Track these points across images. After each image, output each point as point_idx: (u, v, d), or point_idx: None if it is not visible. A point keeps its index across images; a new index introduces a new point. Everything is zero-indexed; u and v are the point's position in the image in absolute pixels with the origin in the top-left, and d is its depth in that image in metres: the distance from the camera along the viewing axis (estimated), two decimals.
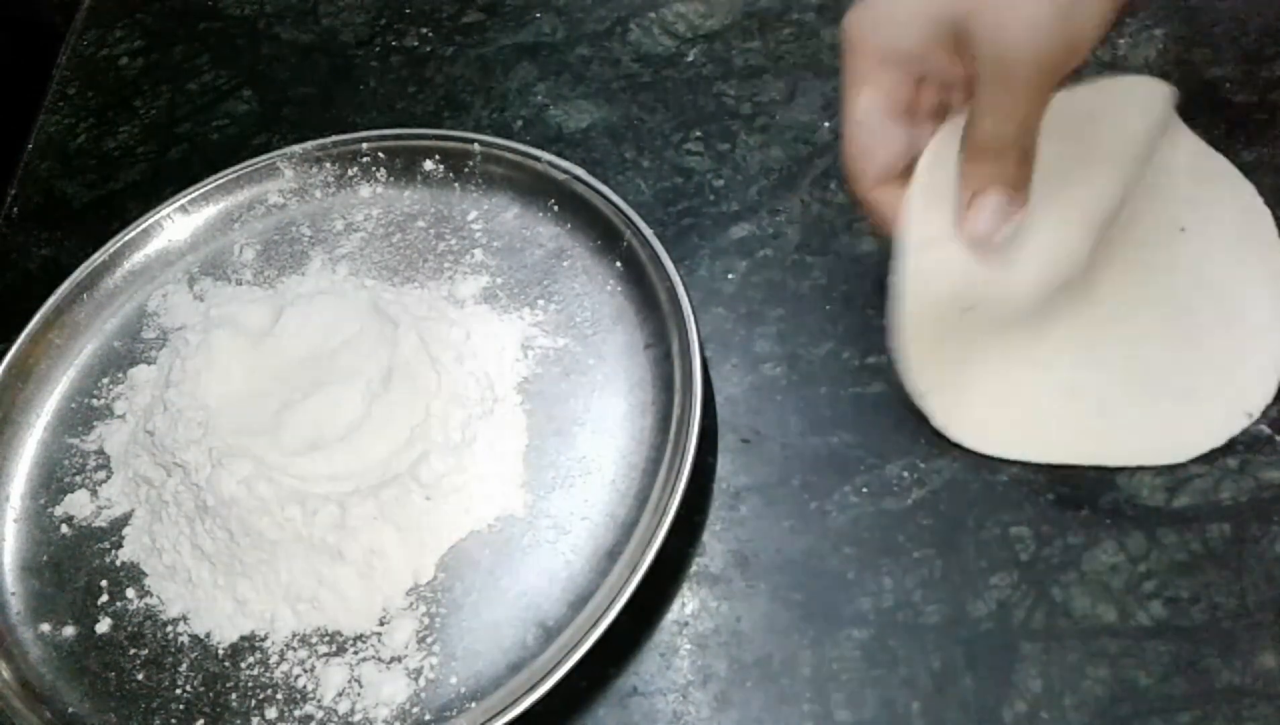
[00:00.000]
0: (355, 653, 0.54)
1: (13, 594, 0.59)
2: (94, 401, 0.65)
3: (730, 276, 0.63)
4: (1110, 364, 0.56)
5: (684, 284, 0.59)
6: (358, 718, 0.52)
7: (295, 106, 0.77)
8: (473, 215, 0.67)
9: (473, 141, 0.68)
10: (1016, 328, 0.55)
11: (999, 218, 0.50)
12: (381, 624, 0.54)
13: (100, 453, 0.63)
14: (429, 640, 0.54)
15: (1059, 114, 0.50)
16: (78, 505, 0.61)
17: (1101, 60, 0.65)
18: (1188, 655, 0.48)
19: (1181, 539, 0.51)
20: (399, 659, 0.53)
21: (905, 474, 0.55)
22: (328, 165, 0.70)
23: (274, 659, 0.55)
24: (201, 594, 0.56)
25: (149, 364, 0.65)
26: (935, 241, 0.52)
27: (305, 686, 0.54)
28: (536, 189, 0.66)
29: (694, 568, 0.54)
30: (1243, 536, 0.51)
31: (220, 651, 0.55)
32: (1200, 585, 0.50)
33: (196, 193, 0.70)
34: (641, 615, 0.53)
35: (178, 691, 0.55)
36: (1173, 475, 0.53)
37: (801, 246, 0.63)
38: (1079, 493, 0.53)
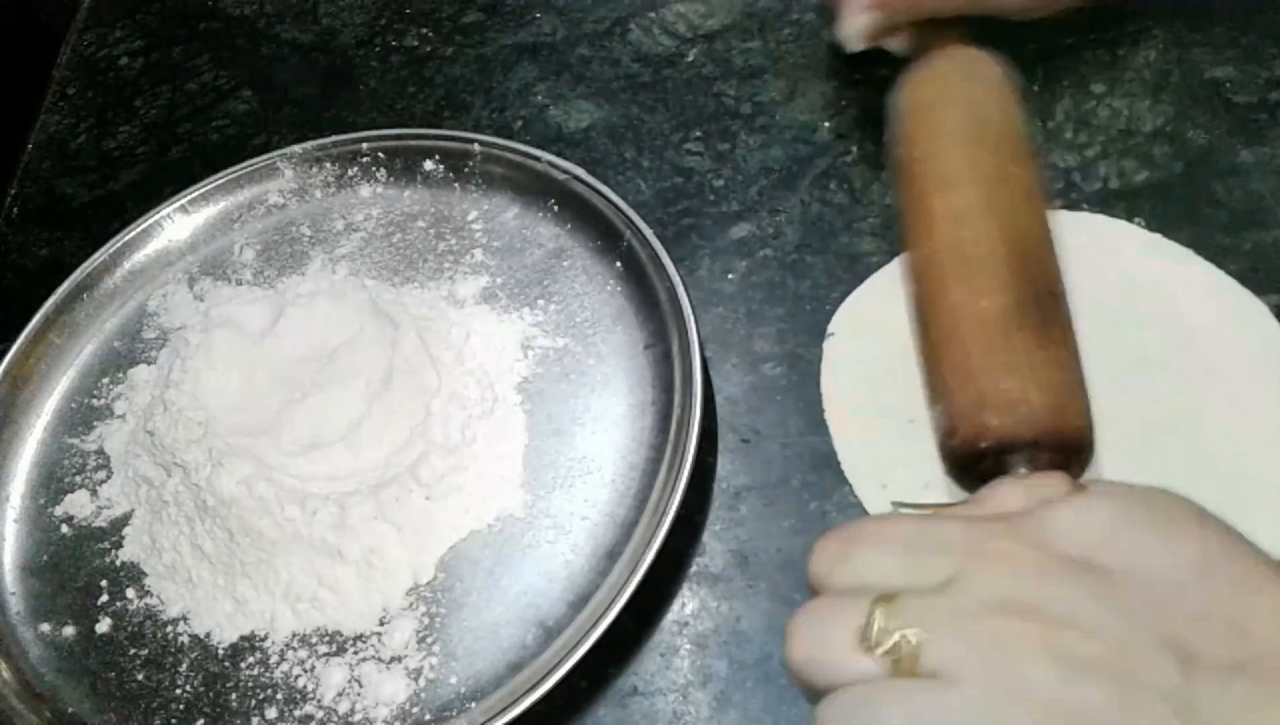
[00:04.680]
0: (355, 653, 0.54)
1: (13, 594, 0.59)
2: (94, 401, 0.65)
3: (730, 276, 0.63)
4: None
5: (684, 284, 0.59)
6: (358, 718, 0.52)
7: (295, 106, 0.77)
8: (473, 215, 0.67)
9: (473, 141, 0.68)
10: None
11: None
12: (381, 624, 0.54)
13: (100, 453, 0.63)
14: (429, 640, 0.54)
15: None
16: (78, 505, 0.61)
17: (1102, 61, 0.65)
18: None
19: None
20: (399, 659, 0.53)
21: None
22: (328, 165, 0.70)
23: (274, 659, 0.55)
24: (201, 594, 0.56)
25: (149, 364, 0.65)
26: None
27: (305, 686, 0.54)
28: (536, 189, 0.66)
29: (694, 568, 0.54)
30: None
31: (220, 651, 0.55)
32: None
33: (196, 193, 0.70)
34: (641, 615, 0.53)
35: (178, 691, 0.55)
36: None
37: (801, 246, 0.63)
38: None
